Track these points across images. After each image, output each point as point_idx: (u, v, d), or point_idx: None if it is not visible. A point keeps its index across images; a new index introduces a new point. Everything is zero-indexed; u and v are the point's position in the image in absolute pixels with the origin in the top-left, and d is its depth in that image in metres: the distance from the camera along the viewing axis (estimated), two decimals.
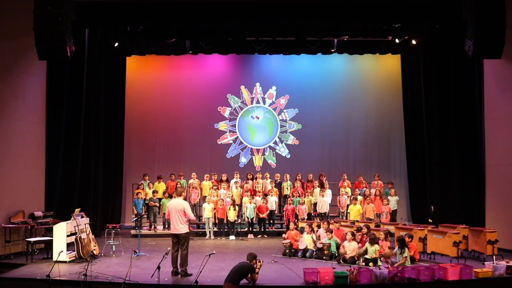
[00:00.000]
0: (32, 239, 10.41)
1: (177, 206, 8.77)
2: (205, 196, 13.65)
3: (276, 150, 16.43)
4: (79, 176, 12.48)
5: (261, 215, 13.24)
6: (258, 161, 16.35)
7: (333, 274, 8.14)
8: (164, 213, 13.45)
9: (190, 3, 11.42)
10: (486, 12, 9.94)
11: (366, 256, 9.55)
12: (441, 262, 9.30)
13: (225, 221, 13.12)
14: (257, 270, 8.09)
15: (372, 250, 9.52)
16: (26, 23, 10.07)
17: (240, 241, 12.75)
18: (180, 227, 8.73)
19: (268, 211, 13.35)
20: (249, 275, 7.92)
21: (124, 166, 15.50)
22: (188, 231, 8.89)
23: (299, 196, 13.49)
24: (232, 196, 13.44)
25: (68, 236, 10.01)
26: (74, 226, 10.03)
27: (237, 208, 13.18)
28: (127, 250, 10.91)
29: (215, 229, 13.30)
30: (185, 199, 9.21)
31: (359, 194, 13.55)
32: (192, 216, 9.11)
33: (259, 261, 8.24)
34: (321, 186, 13.96)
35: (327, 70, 16.53)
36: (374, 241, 9.58)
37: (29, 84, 11.63)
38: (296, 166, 15.81)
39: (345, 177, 14.40)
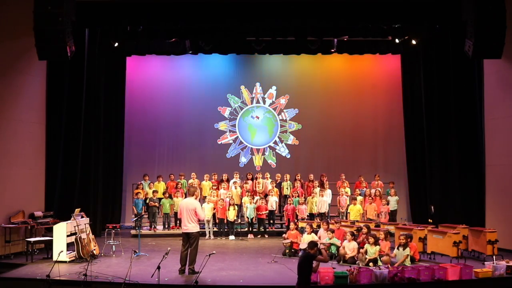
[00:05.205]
0: (32, 239, 10.41)
1: (188, 206, 8.91)
2: (205, 196, 13.64)
3: (276, 150, 16.43)
4: (79, 176, 12.49)
5: (259, 213, 13.21)
6: (258, 161, 16.35)
7: (333, 274, 8.15)
8: (164, 213, 13.50)
9: (190, 3, 11.42)
10: (486, 12, 9.95)
11: (366, 256, 9.54)
12: (441, 262, 9.30)
13: (225, 221, 13.12)
14: (322, 253, 7.56)
15: (372, 251, 9.51)
16: (26, 23, 10.08)
17: (240, 241, 12.75)
18: (190, 226, 8.84)
19: (267, 211, 13.34)
20: (313, 262, 7.44)
21: (124, 166, 15.48)
22: (198, 230, 8.97)
23: (298, 196, 13.49)
24: (231, 196, 13.43)
25: (68, 236, 10.01)
26: (74, 226, 10.03)
27: (236, 208, 13.18)
28: (127, 250, 10.91)
29: (215, 229, 13.30)
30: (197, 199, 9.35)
31: (359, 194, 13.56)
32: (202, 216, 9.29)
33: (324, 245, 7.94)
34: (321, 186, 13.96)
35: (327, 70, 16.54)
36: (376, 242, 9.57)
37: (29, 84, 11.63)
38: (296, 166, 15.84)
39: (343, 177, 14.38)
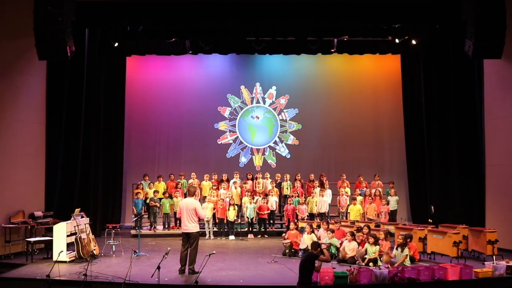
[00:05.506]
0: (32, 239, 10.41)
1: (188, 206, 8.91)
2: (205, 196, 13.64)
3: (276, 150, 16.43)
4: (79, 176, 12.49)
5: (260, 212, 13.20)
6: (258, 161, 16.35)
7: (333, 274, 8.15)
8: (164, 213, 13.50)
9: (190, 3, 11.42)
10: (486, 12, 9.95)
11: (366, 256, 9.55)
12: (441, 262, 9.30)
13: (225, 221, 13.12)
14: (324, 253, 7.69)
15: (372, 251, 9.52)
16: (26, 23, 10.09)
17: (240, 241, 12.75)
18: (190, 226, 8.85)
19: (268, 211, 13.34)
20: (316, 262, 7.54)
21: (124, 166, 15.48)
22: (198, 230, 8.97)
23: (298, 196, 13.49)
24: (231, 196, 13.43)
25: (68, 236, 10.01)
26: (74, 226, 10.03)
27: (236, 208, 13.18)
28: (127, 250, 10.91)
29: (215, 229, 13.30)
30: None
31: (359, 194, 13.56)
32: (203, 214, 9.31)
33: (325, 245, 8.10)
34: (321, 186, 13.96)
35: (327, 70, 16.54)
36: (376, 242, 9.57)
37: (29, 84, 11.63)
38: (296, 166, 15.84)
39: (344, 177, 14.38)
